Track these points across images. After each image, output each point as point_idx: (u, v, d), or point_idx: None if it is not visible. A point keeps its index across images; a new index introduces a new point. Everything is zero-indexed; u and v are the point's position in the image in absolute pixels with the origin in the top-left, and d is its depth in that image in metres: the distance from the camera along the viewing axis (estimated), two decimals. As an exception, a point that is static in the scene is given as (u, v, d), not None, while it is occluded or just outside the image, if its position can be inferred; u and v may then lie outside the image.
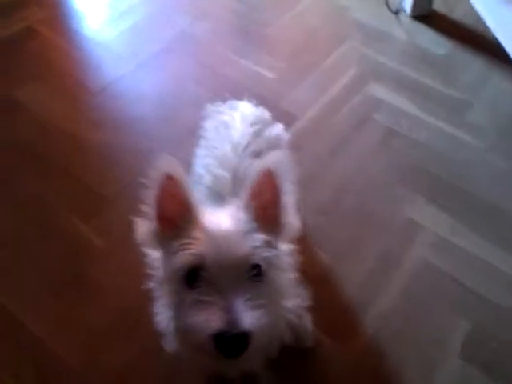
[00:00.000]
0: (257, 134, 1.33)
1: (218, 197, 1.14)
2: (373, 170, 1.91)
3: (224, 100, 1.52)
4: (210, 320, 0.77)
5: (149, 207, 0.89)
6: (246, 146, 1.27)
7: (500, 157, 1.97)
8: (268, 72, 2.27)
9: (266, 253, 0.83)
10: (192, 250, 0.82)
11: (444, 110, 2.13)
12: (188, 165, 1.84)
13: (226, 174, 1.19)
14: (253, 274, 0.82)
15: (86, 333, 1.50)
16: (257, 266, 0.83)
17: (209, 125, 1.43)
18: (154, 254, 0.99)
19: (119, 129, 2.03)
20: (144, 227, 0.91)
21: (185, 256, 0.82)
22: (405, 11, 2.54)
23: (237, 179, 1.17)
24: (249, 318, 0.77)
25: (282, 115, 1.66)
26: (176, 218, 0.87)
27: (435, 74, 2.27)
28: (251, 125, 1.35)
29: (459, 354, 1.46)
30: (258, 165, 0.89)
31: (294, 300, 1.09)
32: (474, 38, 2.42)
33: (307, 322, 1.37)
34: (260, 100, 1.53)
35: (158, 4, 2.63)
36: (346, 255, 1.68)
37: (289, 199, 0.91)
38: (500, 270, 1.63)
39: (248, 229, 0.84)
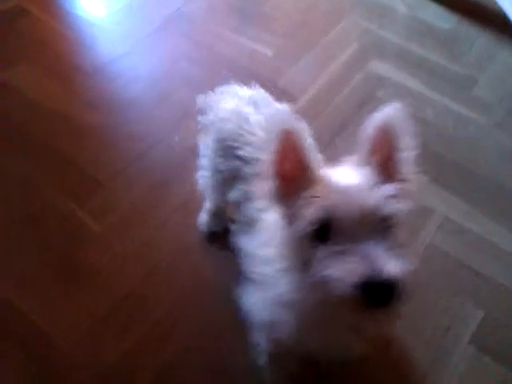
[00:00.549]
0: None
1: None
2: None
3: (223, 79, 1.43)
4: (353, 269, 0.74)
5: (268, 163, 0.85)
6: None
7: (508, 134, 1.90)
8: (265, 49, 2.19)
9: (397, 204, 0.80)
10: (322, 203, 0.79)
11: (449, 86, 2.05)
12: (184, 148, 1.80)
13: None
14: (383, 226, 0.79)
15: (85, 320, 1.46)
16: (388, 218, 0.79)
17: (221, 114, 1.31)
18: (270, 218, 0.97)
19: (113, 111, 1.96)
20: (264, 185, 0.87)
21: (315, 210, 0.79)
22: (407, -16, 2.45)
23: None
24: (393, 265, 0.74)
25: (279, 95, 1.58)
26: (296, 175, 0.84)
27: (440, 49, 2.19)
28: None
29: (470, 341, 1.41)
30: (375, 119, 0.86)
31: None
32: (481, 11, 2.32)
33: None
34: (257, 78, 1.45)
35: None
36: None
37: (409, 154, 0.87)
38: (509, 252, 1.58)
39: (373, 181, 0.82)
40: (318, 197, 0.80)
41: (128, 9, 2.40)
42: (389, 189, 0.80)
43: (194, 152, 1.51)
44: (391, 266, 0.73)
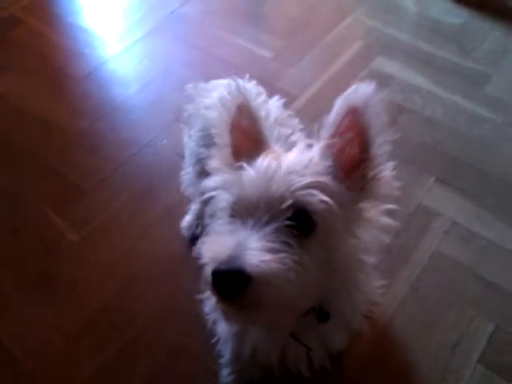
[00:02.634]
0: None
1: None
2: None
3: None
4: (217, 252, 0.69)
5: (222, 132, 0.84)
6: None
7: (525, 132, 1.75)
8: (264, 51, 2.08)
9: (315, 197, 0.71)
10: (237, 182, 0.76)
11: (461, 83, 1.92)
12: (172, 153, 1.69)
13: None
14: (295, 221, 0.71)
15: (58, 336, 1.34)
16: (302, 214, 0.71)
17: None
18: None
19: (101, 116, 1.86)
20: (218, 156, 0.85)
21: (229, 188, 0.77)
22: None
23: None
24: (255, 258, 0.66)
25: (277, 95, 1.47)
26: (247, 147, 0.82)
27: (450, 44, 2.05)
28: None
29: (480, 359, 1.25)
30: (343, 100, 0.76)
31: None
32: (493, 5, 2.19)
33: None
34: (255, 81, 1.34)
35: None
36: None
37: (380, 148, 0.75)
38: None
39: (306, 170, 0.74)
40: (238, 176, 0.76)
41: (121, 12, 2.33)
42: (310, 179, 0.72)
43: (182, 156, 1.42)
44: (252, 258, 0.66)
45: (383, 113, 0.75)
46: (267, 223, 0.70)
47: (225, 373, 1.21)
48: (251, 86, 1.29)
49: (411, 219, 1.52)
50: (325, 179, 0.73)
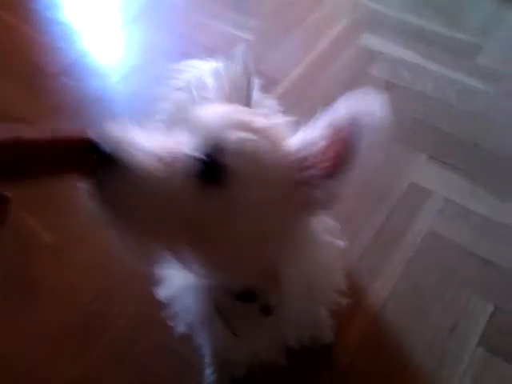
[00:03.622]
0: None
1: None
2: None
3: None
4: None
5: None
6: None
7: (518, 104, 1.68)
8: (247, 34, 2.00)
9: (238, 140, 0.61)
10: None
11: (451, 55, 1.85)
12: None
13: None
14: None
15: (34, 341, 1.29)
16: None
17: None
18: None
19: (78, 112, 1.79)
20: None
21: None
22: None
23: None
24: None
25: (260, 79, 1.41)
26: None
27: (439, 17, 1.98)
28: None
29: (479, 341, 1.20)
30: (341, 110, 0.64)
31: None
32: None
33: (324, 313, 1.12)
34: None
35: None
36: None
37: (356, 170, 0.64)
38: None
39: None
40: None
41: (99, 3, 2.25)
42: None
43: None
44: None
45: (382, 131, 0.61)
46: None
47: (209, 372, 1.17)
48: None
49: (403, 199, 1.45)
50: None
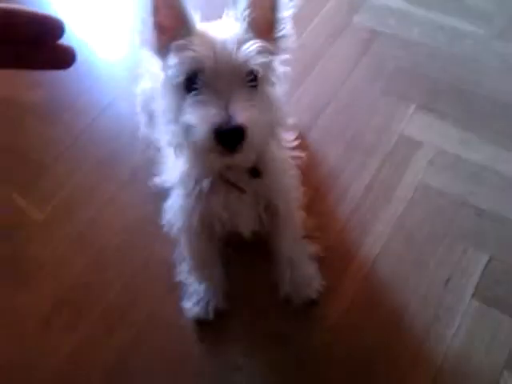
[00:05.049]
0: None
1: None
2: (355, 84, 1.58)
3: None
4: (209, 116, 0.81)
5: (146, 14, 0.87)
6: None
7: (511, 45, 1.61)
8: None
9: (263, 59, 0.84)
10: (192, 54, 0.83)
11: (437, -2, 1.76)
12: (133, 113, 1.58)
13: None
14: (249, 80, 0.85)
15: (29, 321, 1.28)
16: (252, 73, 0.85)
17: None
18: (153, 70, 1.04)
19: (57, 85, 1.73)
20: (143, 34, 0.89)
21: (185, 60, 0.84)
22: None
23: None
24: (243, 115, 0.81)
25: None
26: (173, 26, 0.87)
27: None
28: None
29: (474, 292, 1.18)
30: None
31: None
32: None
33: (313, 269, 1.24)
34: None
35: None
36: (329, 191, 1.39)
37: (285, 11, 0.89)
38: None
39: (245, 37, 0.85)
40: (190, 49, 0.83)
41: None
42: (258, 44, 0.84)
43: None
44: (242, 115, 0.81)
45: None
46: (237, 86, 0.83)
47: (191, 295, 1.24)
48: None
49: (392, 153, 1.41)
50: (264, 43, 0.84)
